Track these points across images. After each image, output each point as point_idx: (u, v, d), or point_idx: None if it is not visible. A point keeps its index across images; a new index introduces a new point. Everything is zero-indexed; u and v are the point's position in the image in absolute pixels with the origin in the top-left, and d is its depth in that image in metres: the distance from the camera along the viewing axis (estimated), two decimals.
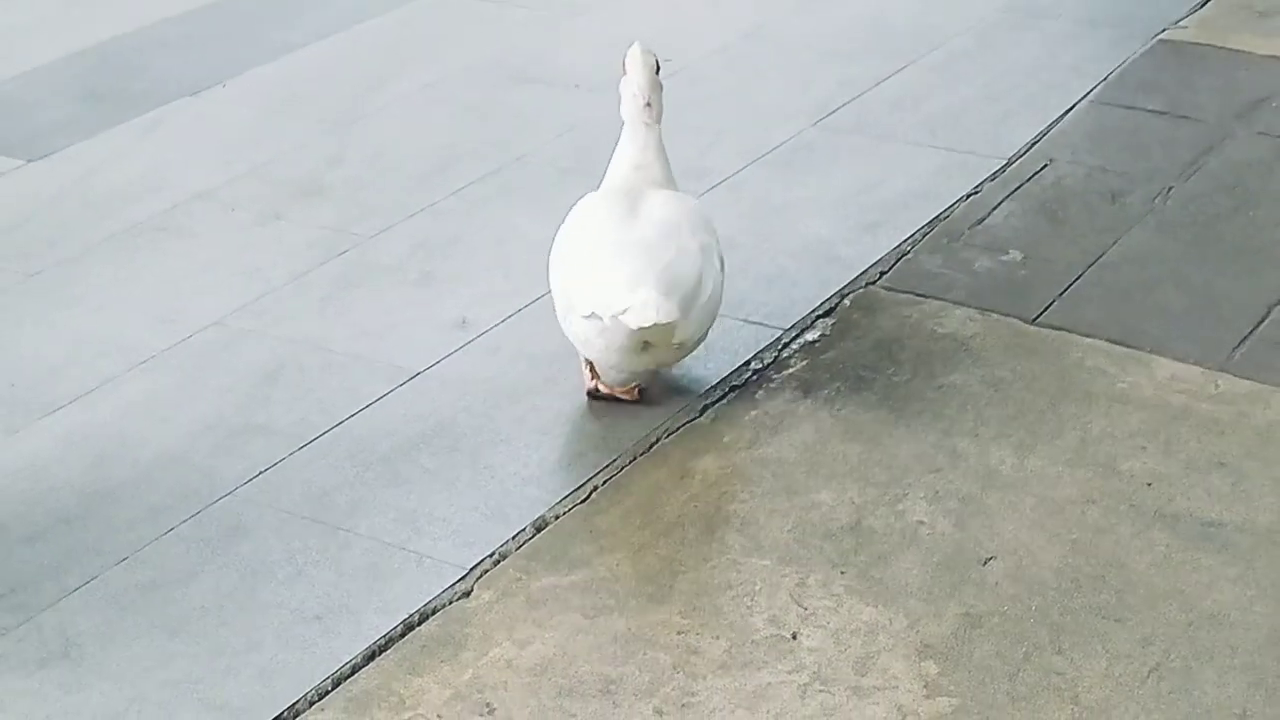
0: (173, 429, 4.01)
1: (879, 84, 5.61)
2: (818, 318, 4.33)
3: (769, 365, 4.15)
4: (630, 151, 4.06)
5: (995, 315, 4.29)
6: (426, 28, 6.29)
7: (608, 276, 3.80)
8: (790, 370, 4.12)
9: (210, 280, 4.63)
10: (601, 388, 4.05)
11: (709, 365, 4.16)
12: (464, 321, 4.38)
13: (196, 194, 5.09)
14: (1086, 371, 4.05)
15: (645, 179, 4.03)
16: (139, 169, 5.26)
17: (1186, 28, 5.88)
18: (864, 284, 4.46)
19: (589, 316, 3.82)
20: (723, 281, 3.99)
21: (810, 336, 4.25)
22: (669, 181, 4.07)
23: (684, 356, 4.02)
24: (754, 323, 4.33)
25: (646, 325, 3.72)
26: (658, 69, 4.04)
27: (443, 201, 4.99)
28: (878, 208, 4.84)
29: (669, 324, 3.75)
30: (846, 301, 4.39)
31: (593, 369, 4.05)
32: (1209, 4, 6.07)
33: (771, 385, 4.06)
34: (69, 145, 5.44)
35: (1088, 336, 4.18)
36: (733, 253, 4.57)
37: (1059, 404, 3.94)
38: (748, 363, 4.17)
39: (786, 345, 4.22)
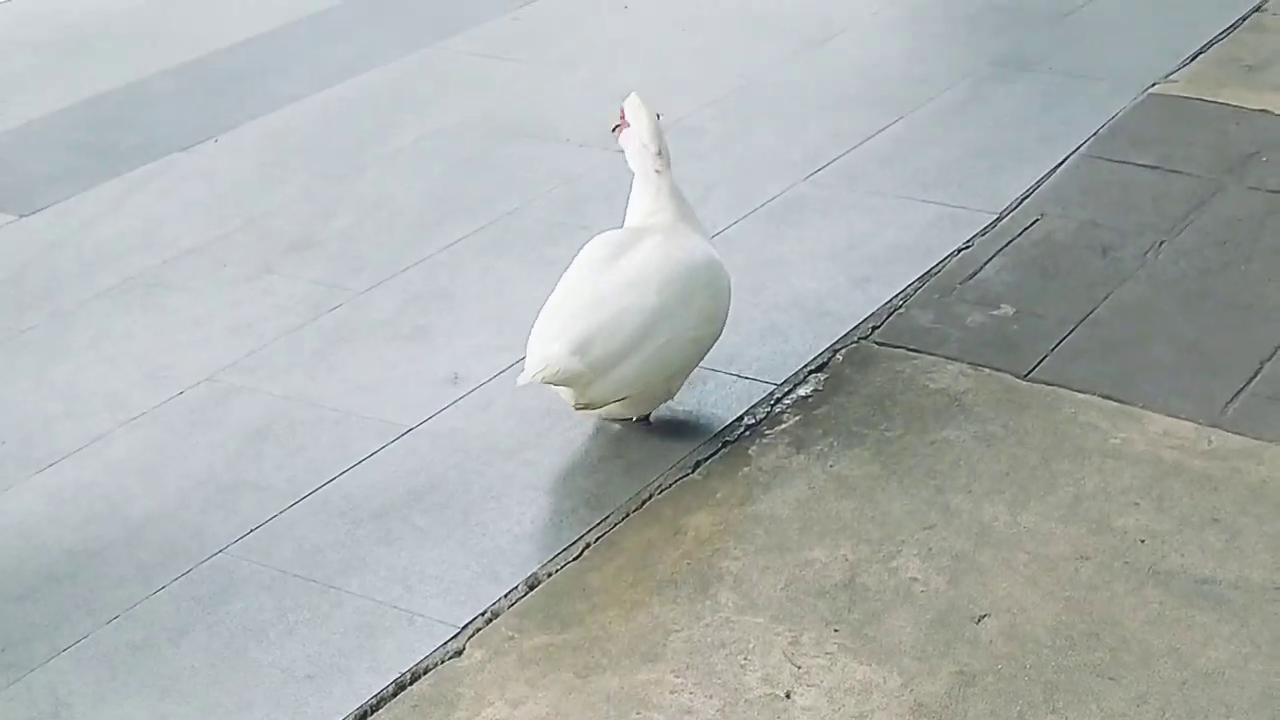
0: (163, 486, 4.00)
1: (870, 138, 5.62)
2: (810, 373, 4.32)
3: (762, 420, 4.14)
4: (645, 202, 4.13)
5: (987, 370, 4.29)
6: (419, 83, 6.30)
7: (540, 326, 3.93)
8: (783, 425, 4.11)
9: (202, 336, 4.62)
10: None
11: (702, 421, 4.16)
12: (456, 377, 4.37)
13: (189, 249, 5.09)
14: (1079, 427, 4.05)
15: (653, 227, 4.07)
16: (132, 223, 5.26)
17: (1177, 81, 5.89)
18: (856, 339, 4.46)
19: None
20: (698, 338, 4.02)
21: (803, 391, 4.25)
22: (688, 223, 4.12)
23: (641, 411, 4.08)
24: (746, 378, 4.33)
25: (527, 381, 3.84)
26: (657, 118, 4.11)
27: (435, 256, 4.99)
28: (869, 262, 4.84)
29: (565, 379, 3.83)
30: (839, 356, 4.38)
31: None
32: (1199, 58, 6.08)
33: (764, 440, 4.06)
34: (62, 199, 5.45)
35: (1080, 392, 4.18)
36: None
37: (1052, 460, 3.94)
38: (740, 418, 4.16)
39: (779, 400, 4.22)
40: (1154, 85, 5.88)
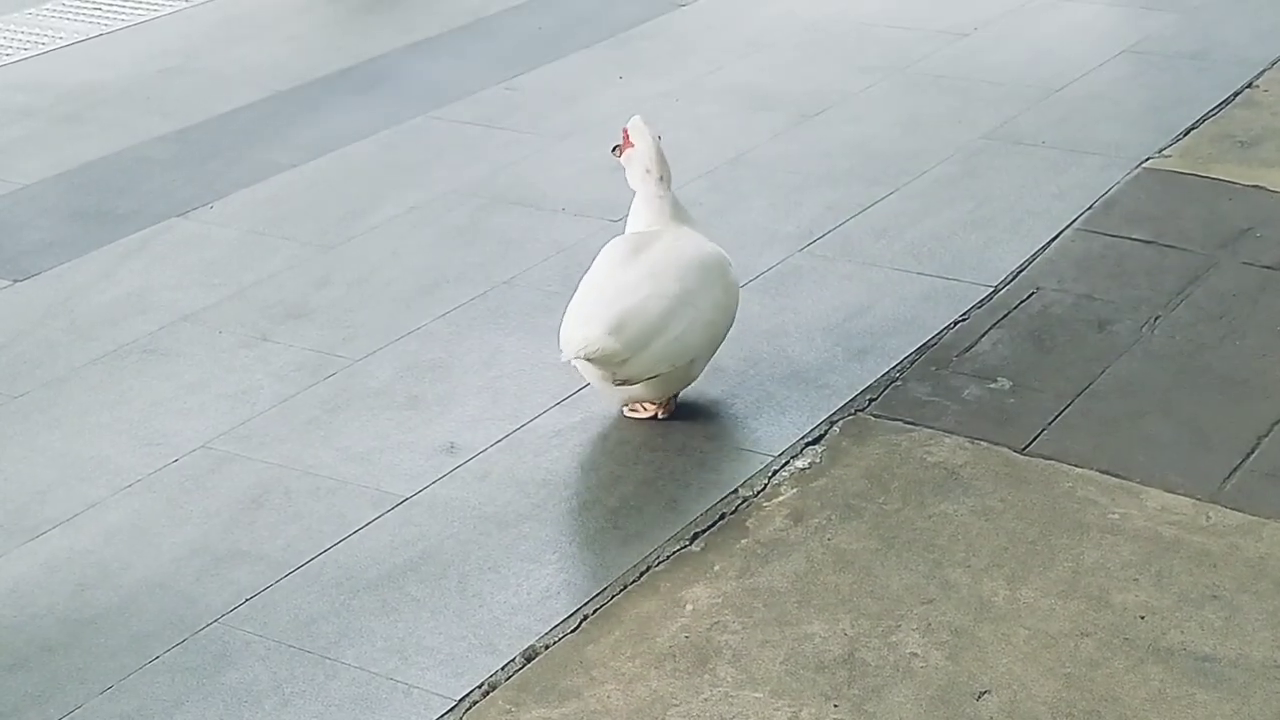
0: (157, 554, 3.97)
1: (864, 210, 5.63)
2: (807, 444, 4.32)
3: (759, 492, 4.13)
4: (646, 214, 4.47)
5: (985, 444, 4.28)
6: (412, 151, 6.31)
7: (574, 315, 4.25)
8: (781, 498, 4.10)
9: (196, 403, 4.61)
10: (627, 411, 4.46)
11: (699, 492, 4.15)
12: (452, 447, 4.36)
13: (183, 315, 5.08)
14: (1077, 502, 4.04)
15: (661, 231, 4.43)
16: (125, 290, 5.25)
17: (1170, 156, 5.92)
18: (853, 410, 4.46)
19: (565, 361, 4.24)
20: (713, 322, 4.35)
21: (800, 464, 4.24)
22: (691, 227, 4.47)
23: (664, 393, 4.36)
24: (744, 449, 4.32)
25: (573, 358, 4.15)
26: (658, 139, 4.44)
27: (430, 325, 4.98)
28: (865, 334, 4.84)
29: (605, 357, 4.13)
30: (836, 429, 4.38)
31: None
32: (1192, 133, 6.11)
33: (762, 513, 4.04)
34: (55, 265, 5.44)
35: (1078, 466, 4.17)
36: (720, 379, 4.60)
37: (1050, 534, 3.93)
38: (737, 490, 4.15)
39: (776, 472, 4.21)
40: (1147, 160, 5.90)
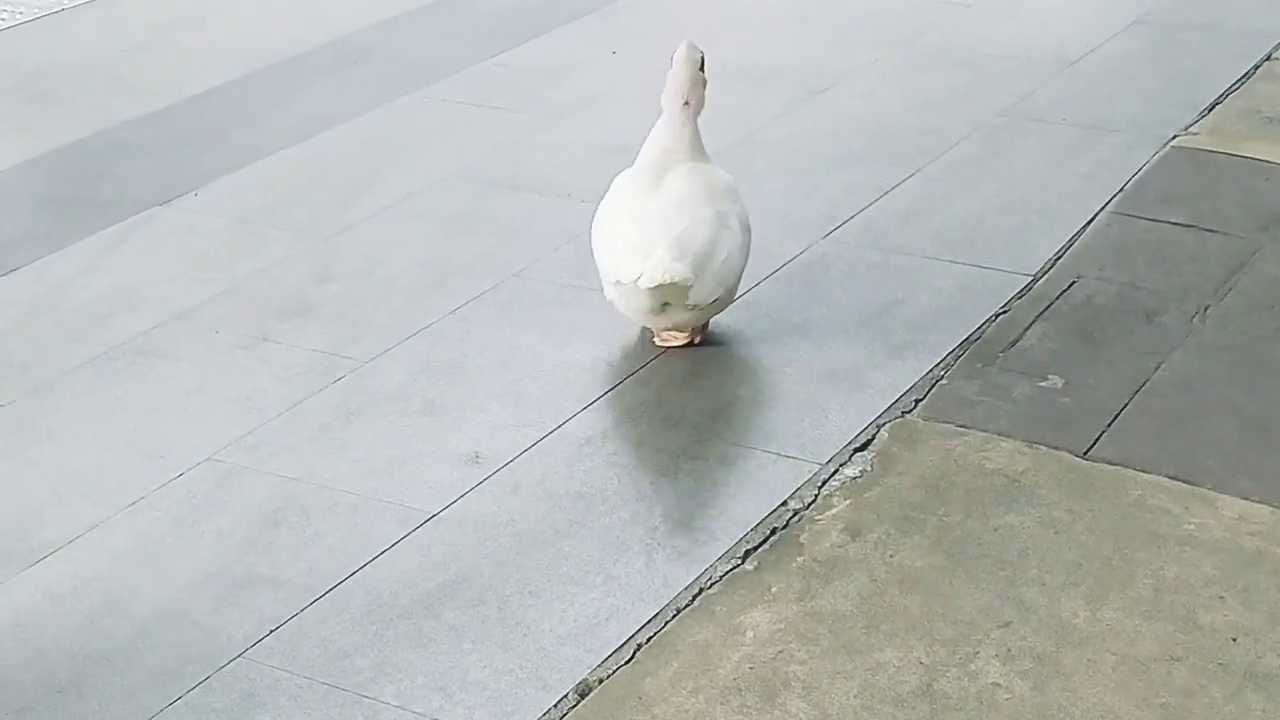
0: (170, 581, 3.69)
1: (885, 193, 5.38)
2: (855, 451, 4.07)
3: (810, 505, 3.88)
4: (664, 137, 4.47)
5: (1044, 448, 4.04)
6: (403, 132, 6.02)
7: (626, 245, 4.30)
8: (834, 510, 3.85)
9: (198, 410, 4.32)
10: (659, 340, 4.51)
11: (745, 503, 3.89)
12: (477, 457, 4.09)
13: (176, 313, 4.78)
14: (1149, 511, 3.81)
15: (675, 161, 4.44)
16: (112, 285, 4.95)
17: (1198, 134, 5.69)
18: (899, 413, 4.21)
19: (615, 284, 4.33)
20: (745, 244, 4.43)
21: (850, 472, 3.99)
22: (703, 159, 4.50)
23: (706, 317, 4.45)
24: (788, 457, 4.07)
25: (655, 286, 4.19)
26: (702, 65, 4.50)
27: (440, 322, 4.70)
28: (903, 328, 4.59)
29: (680, 284, 4.21)
30: (884, 433, 4.13)
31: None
32: (1216, 109, 5.89)
33: (816, 527, 3.80)
34: (34, 260, 5.13)
35: (1145, 472, 3.94)
36: (757, 378, 4.37)
37: (1125, 548, 3.69)
38: (786, 502, 3.90)
39: (826, 482, 3.96)
40: (1175, 138, 5.67)
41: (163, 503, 3.96)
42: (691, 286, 4.25)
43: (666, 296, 4.26)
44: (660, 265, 4.20)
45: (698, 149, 4.49)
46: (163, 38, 7.03)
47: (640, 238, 4.29)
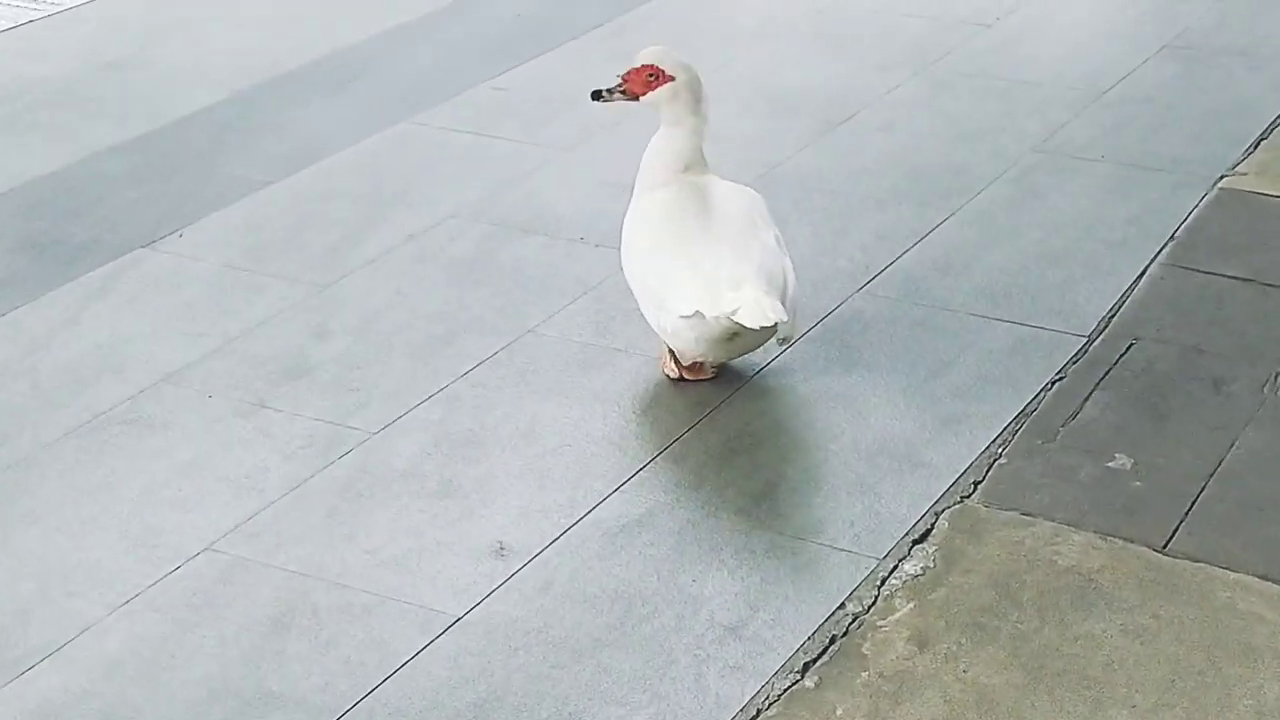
0: (170, 698, 3.34)
1: (921, 239, 5.05)
2: (914, 543, 3.74)
3: (870, 608, 3.55)
4: (685, 156, 4.25)
5: (1119, 541, 3.72)
6: (399, 165, 5.65)
7: (709, 277, 4.01)
8: (897, 615, 3.52)
9: (193, 490, 3.96)
10: (678, 372, 4.29)
11: (800, 606, 3.56)
12: (501, 548, 3.75)
13: (165, 375, 4.42)
14: (1241, 617, 3.49)
15: (699, 174, 4.28)
16: (94, 342, 4.58)
17: (1246, 175, 5.37)
18: (958, 497, 3.89)
19: (690, 316, 4.02)
20: (789, 264, 4.20)
21: (911, 569, 3.66)
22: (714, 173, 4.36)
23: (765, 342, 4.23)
24: (841, 549, 3.74)
25: (755, 326, 3.91)
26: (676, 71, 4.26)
27: (452, 386, 4.35)
28: (953, 397, 4.27)
29: (781, 317, 3.93)
30: (944, 522, 3.81)
31: (673, 355, 4.28)
32: (1261, 145, 5.58)
33: (879, 635, 3.47)
34: (8, 311, 4.76)
35: (1231, 570, 3.63)
36: (801, 455, 4.05)
37: (1219, 662, 3.38)
38: (844, 604, 3.57)
39: (885, 580, 3.63)
40: (1222, 178, 5.36)
41: (160, 600, 3.61)
42: (780, 323, 3.99)
43: (758, 333, 4.05)
44: (760, 303, 3.92)
45: (706, 162, 4.35)
46: (142, 53, 6.65)
47: (718, 270, 4.02)
